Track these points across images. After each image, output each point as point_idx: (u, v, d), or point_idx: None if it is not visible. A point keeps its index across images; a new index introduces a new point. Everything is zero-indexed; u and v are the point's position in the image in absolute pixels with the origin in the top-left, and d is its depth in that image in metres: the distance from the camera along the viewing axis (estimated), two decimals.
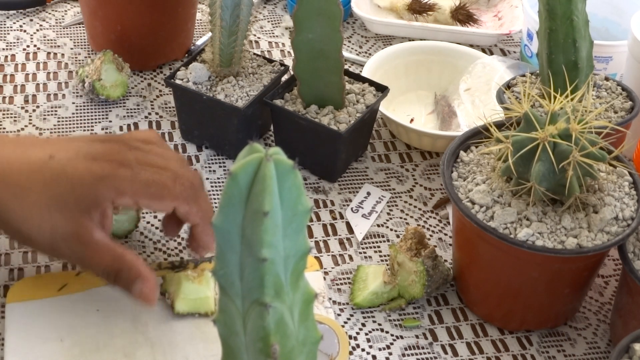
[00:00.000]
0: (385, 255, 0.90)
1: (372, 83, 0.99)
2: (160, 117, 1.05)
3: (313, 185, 0.97)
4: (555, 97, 0.76)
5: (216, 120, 0.97)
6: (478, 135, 0.84)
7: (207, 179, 0.97)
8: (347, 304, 0.84)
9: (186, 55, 1.14)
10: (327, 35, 0.91)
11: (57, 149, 0.75)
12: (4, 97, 1.06)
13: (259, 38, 1.20)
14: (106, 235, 0.74)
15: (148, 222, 0.90)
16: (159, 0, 1.07)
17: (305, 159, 0.97)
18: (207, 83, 0.97)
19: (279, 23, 1.23)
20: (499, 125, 0.82)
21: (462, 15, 1.22)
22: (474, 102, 1.04)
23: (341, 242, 0.91)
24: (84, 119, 1.04)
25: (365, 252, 0.90)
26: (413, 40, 1.15)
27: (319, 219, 0.93)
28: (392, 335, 0.82)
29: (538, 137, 0.74)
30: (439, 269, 0.83)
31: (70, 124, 1.03)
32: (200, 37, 1.18)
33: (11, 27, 1.18)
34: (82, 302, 0.80)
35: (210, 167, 0.98)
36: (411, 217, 0.95)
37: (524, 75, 0.96)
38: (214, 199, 0.94)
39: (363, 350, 0.80)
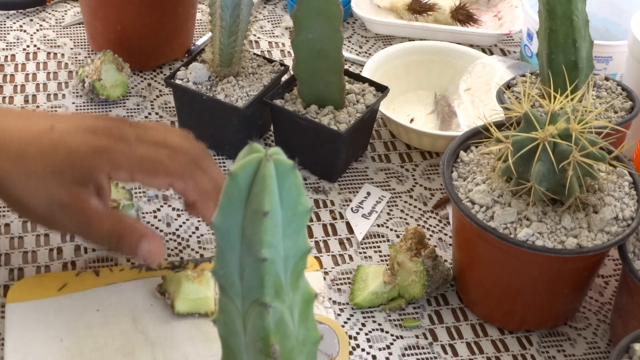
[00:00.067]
0: (385, 255, 0.90)
1: (372, 83, 0.99)
2: (160, 117, 1.05)
3: (313, 185, 0.97)
4: (555, 97, 0.76)
5: (216, 120, 0.97)
6: (478, 135, 0.84)
7: None
8: (347, 304, 0.84)
9: (186, 55, 1.14)
10: (327, 35, 0.91)
11: (58, 120, 0.76)
12: (4, 97, 1.06)
13: (259, 38, 1.20)
14: (103, 204, 0.74)
15: (148, 222, 0.91)
16: (159, 0, 1.07)
17: (305, 159, 0.97)
18: (207, 83, 0.97)
19: (279, 23, 1.23)
20: (499, 125, 0.82)
21: (462, 15, 1.22)
22: (474, 102, 1.04)
23: (341, 242, 0.91)
24: None
25: (365, 252, 0.90)
26: (413, 40, 1.15)
27: (319, 219, 0.93)
28: (392, 335, 0.82)
29: (538, 137, 0.74)
30: (439, 269, 0.83)
31: None
32: (200, 37, 1.18)
33: (11, 27, 1.18)
34: (82, 302, 0.80)
35: None
36: (411, 217, 0.95)
37: (524, 75, 0.96)
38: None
39: (363, 350, 0.80)
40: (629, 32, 0.99)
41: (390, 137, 1.05)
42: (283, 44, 1.19)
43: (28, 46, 1.15)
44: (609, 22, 1.18)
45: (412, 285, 0.83)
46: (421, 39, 1.16)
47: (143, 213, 0.91)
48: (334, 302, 0.84)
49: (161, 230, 0.90)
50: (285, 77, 1.00)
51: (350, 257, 0.89)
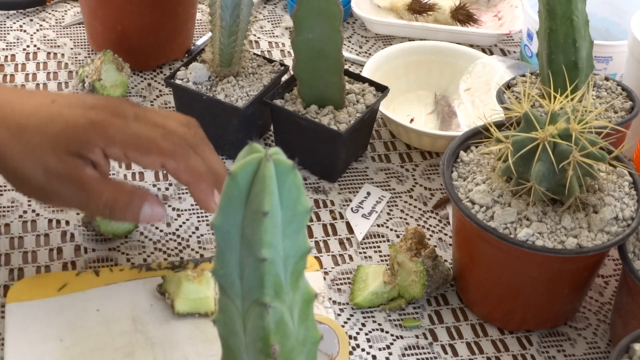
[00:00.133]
0: (385, 255, 0.90)
1: (372, 83, 0.99)
2: None
3: (313, 185, 0.97)
4: (555, 97, 0.76)
5: (216, 120, 0.97)
6: (478, 135, 0.84)
7: None
8: (347, 304, 0.84)
9: (186, 55, 1.14)
10: (327, 35, 0.91)
11: (60, 97, 0.77)
12: None
13: (259, 38, 1.20)
14: (99, 174, 0.75)
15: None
16: (159, 0, 1.07)
17: (305, 159, 0.97)
18: (207, 83, 0.97)
19: (279, 23, 1.23)
20: (499, 125, 0.82)
21: (462, 15, 1.22)
22: (474, 102, 1.04)
23: (341, 242, 0.91)
24: None
25: (365, 252, 0.90)
26: (413, 40, 1.15)
27: (319, 219, 0.93)
28: (392, 335, 0.82)
29: (538, 137, 0.74)
30: (439, 269, 0.83)
31: None
32: (200, 37, 1.18)
33: (11, 27, 1.18)
34: (82, 302, 0.80)
35: None
36: (411, 217, 0.95)
37: (524, 75, 0.96)
38: None
39: (363, 350, 0.80)
40: (629, 32, 0.99)
41: (390, 137, 1.05)
42: (283, 44, 1.19)
43: (28, 46, 1.15)
44: (609, 22, 1.18)
45: (412, 285, 0.83)
46: (421, 39, 1.16)
47: None
48: (334, 302, 0.84)
49: (161, 231, 0.90)
50: (285, 77, 1.00)
51: (350, 257, 0.89)
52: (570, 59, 0.88)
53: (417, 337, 0.82)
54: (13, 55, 1.13)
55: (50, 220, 0.90)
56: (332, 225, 0.93)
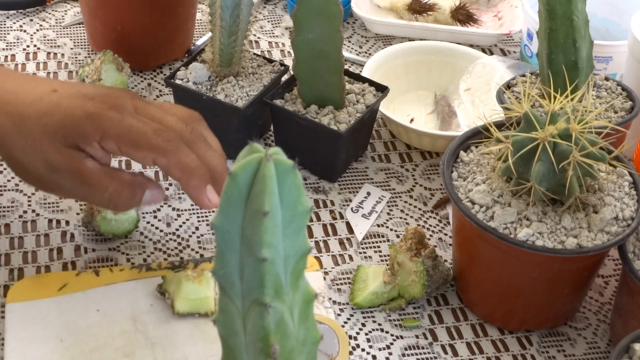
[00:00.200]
0: (385, 255, 0.90)
1: (372, 83, 0.99)
2: None
3: (313, 185, 0.97)
4: (555, 97, 0.76)
5: (216, 120, 0.96)
6: (478, 135, 0.84)
7: None
8: (347, 304, 0.84)
9: (186, 55, 1.14)
10: (327, 35, 0.91)
11: (61, 85, 0.76)
12: None
13: (259, 38, 1.20)
14: (99, 164, 0.75)
15: (148, 222, 0.91)
16: (159, 0, 1.07)
17: (305, 159, 0.97)
18: (207, 83, 0.97)
19: (279, 23, 1.23)
20: (499, 125, 0.82)
21: (462, 15, 1.22)
22: (474, 102, 1.04)
23: (341, 242, 0.91)
24: None
25: (365, 252, 0.90)
26: (413, 40, 1.15)
27: (319, 219, 0.93)
28: (392, 335, 0.82)
29: (538, 137, 0.74)
30: (439, 269, 0.83)
31: None
32: (200, 37, 1.18)
33: (11, 27, 1.18)
34: (82, 302, 0.80)
35: None
36: (411, 217, 0.95)
37: (524, 75, 0.96)
38: None
39: (363, 350, 0.80)
40: (629, 32, 0.99)
41: (390, 137, 1.05)
42: (283, 44, 1.19)
43: (28, 46, 1.15)
44: (609, 22, 1.18)
45: (412, 285, 0.83)
46: (421, 39, 1.16)
47: (143, 213, 0.91)
48: (334, 302, 0.84)
49: (161, 230, 0.90)
50: (285, 77, 1.00)
51: (350, 257, 0.89)
52: (570, 59, 0.88)
53: (417, 337, 0.82)
54: (13, 55, 1.13)
55: (50, 220, 0.90)
56: (332, 225, 0.93)
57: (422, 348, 0.81)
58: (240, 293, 0.55)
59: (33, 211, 0.91)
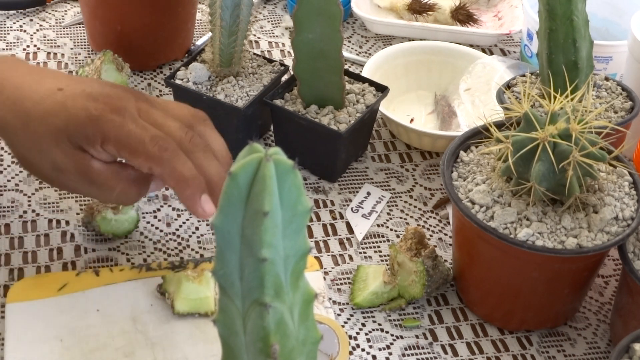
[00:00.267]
0: (385, 255, 0.90)
1: (372, 83, 0.99)
2: None
3: (313, 185, 0.97)
4: (555, 97, 0.76)
5: (216, 120, 0.96)
6: (478, 135, 0.84)
7: None
8: (347, 304, 0.84)
9: (186, 55, 1.14)
10: (327, 35, 0.91)
11: (68, 83, 0.76)
12: None
13: (259, 38, 1.20)
14: (105, 163, 0.75)
15: (148, 222, 0.91)
16: (159, 0, 1.07)
17: (305, 159, 0.97)
18: (207, 83, 0.97)
19: (279, 23, 1.23)
20: (499, 125, 0.82)
21: (462, 15, 1.22)
22: (474, 102, 1.04)
23: (341, 242, 0.91)
24: None
25: (365, 252, 0.90)
26: (413, 40, 1.15)
27: (319, 219, 0.93)
28: (392, 335, 0.82)
29: (538, 137, 0.74)
30: (439, 269, 0.83)
31: None
32: (200, 37, 1.18)
33: (11, 27, 1.18)
34: (82, 302, 0.80)
35: None
36: (411, 217, 0.95)
37: (524, 75, 0.96)
38: None
39: (363, 350, 0.80)
40: (629, 32, 0.99)
41: (390, 137, 1.05)
42: (283, 44, 1.19)
43: (28, 46, 1.15)
44: (609, 22, 1.18)
45: (412, 285, 0.83)
46: (421, 39, 1.16)
47: (143, 213, 0.91)
48: (334, 302, 0.84)
49: (161, 230, 0.90)
50: (285, 77, 1.00)
51: (350, 257, 0.89)
52: (570, 59, 0.88)
53: (417, 337, 0.82)
54: (13, 55, 1.13)
55: (50, 220, 0.90)
56: (332, 225, 0.93)
57: (422, 348, 0.81)
58: (240, 293, 0.55)
59: (33, 211, 0.91)
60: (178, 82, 0.97)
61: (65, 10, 1.21)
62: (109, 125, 0.73)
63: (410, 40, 1.15)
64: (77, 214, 0.90)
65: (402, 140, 1.04)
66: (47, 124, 0.74)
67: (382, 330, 0.82)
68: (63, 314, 0.79)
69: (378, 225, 0.93)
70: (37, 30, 1.18)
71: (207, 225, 0.90)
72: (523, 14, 1.15)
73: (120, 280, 0.83)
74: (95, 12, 1.09)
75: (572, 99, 0.77)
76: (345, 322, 0.83)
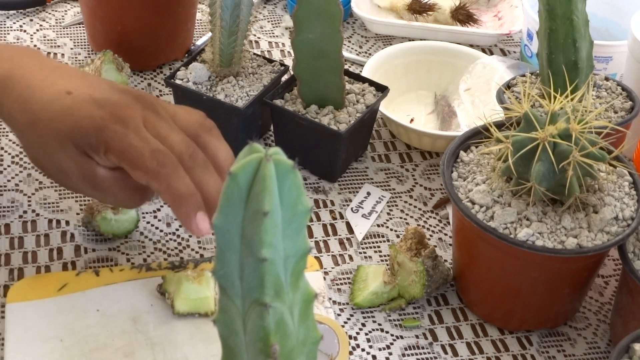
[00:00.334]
0: (385, 255, 0.90)
1: (372, 83, 0.99)
2: None
3: (313, 185, 0.97)
4: (555, 97, 0.76)
5: (216, 120, 0.96)
6: (478, 135, 0.84)
7: None
8: (347, 304, 0.84)
9: (186, 55, 1.14)
10: (327, 35, 0.91)
11: (77, 86, 0.76)
12: None
13: (259, 38, 1.20)
14: (109, 170, 0.75)
15: (148, 222, 0.91)
16: (159, 0, 1.07)
17: (305, 159, 0.97)
18: (207, 83, 0.97)
19: (279, 23, 1.23)
20: (499, 125, 0.82)
21: (462, 15, 1.22)
22: (474, 102, 1.04)
23: (341, 242, 0.91)
24: None
25: (365, 252, 0.90)
26: (413, 40, 1.15)
27: (319, 219, 0.93)
28: (392, 335, 0.82)
29: (538, 137, 0.74)
30: (439, 269, 0.83)
31: None
32: (200, 37, 1.18)
33: (11, 27, 1.18)
34: (82, 302, 0.80)
35: None
36: (411, 217, 0.95)
37: (524, 75, 0.96)
38: None
39: (363, 350, 0.80)
40: (629, 32, 0.99)
41: (390, 137, 1.05)
42: (283, 44, 1.19)
43: (28, 46, 1.14)
44: (609, 22, 1.18)
45: (412, 285, 0.83)
46: (421, 39, 1.16)
47: (143, 213, 0.91)
48: (334, 302, 0.84)
49: (161, 230, 0.90)
50: (285, 77, 1.00)
51: (350, 257, 0.89)
52: (570, 59, 0.88)
53: (417, 337, 0.82)
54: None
55: (50, 220, 0.90)
56: (332, 225, 0.93)
57: (422, 348, 0.81)
58: (240, 293, 0.55)
59: (33, 211, 0.91)
60: (178, 82, 0.98)
61: (65, 10, 1.21)
62: (112, 135, 0.73)
63: (410, 40, 1.15)
64: (77, 214, 0.90)
65: (402, 140, 1.04)
66: (53, 129, 0.74)
67: (382, 330, 0.82)
68: (63, 314, 0.79)
69: (378, 225, 0.93)
70: (37, 30, 1.18)
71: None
72: (523, 14, 1.15)
73: (120, 280, 0.83)
74: (95, 12, 1.09)
75: (572, 99, 0.77)
76: (345, 322, 0.83)
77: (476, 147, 0.84)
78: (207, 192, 0.74)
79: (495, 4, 1.27)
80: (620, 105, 0.93)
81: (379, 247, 0.91)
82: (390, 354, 0.80)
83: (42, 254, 0.86)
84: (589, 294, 0.87)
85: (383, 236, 0.92)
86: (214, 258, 0.55)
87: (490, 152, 0.81)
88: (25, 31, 1.17)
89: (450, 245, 0.91)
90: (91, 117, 0.74)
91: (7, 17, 1.19)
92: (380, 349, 0.81)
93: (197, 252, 0.88)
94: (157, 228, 0.90)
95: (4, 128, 1.01)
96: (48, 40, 1.16)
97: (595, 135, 0.75)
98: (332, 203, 0.95)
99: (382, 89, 0.98)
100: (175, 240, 0.89)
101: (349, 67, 1.16)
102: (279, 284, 0.53)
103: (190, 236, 0.89)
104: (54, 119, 0.74)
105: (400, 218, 0.94)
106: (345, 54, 1.16)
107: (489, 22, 1.25)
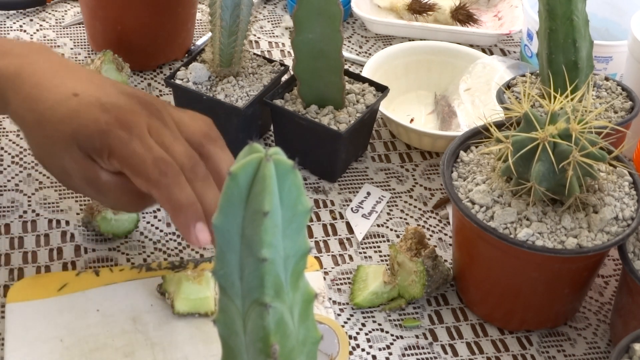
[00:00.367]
0: (385, 255, 0.90)
1: (372, 83, 0.99)
2: None
3: (313, 185, 0.97)
4: (555, 97, 0.76)
5: (216, 120, 0.96)
6: (478, 135, 0.84)
7: None
8: (347, 304, 0.84)
9: (186, 55, 1.14)
10: (327, 35, 0.91)
11: (85, 88, 0.76)
12: None
13: (259, 38, 1.20)
14: (113, 174, 0.75)
15: (148, 222, 0.91)
16: (159, 0, 1.07)
17: (305, 159, 0.97)
18: (207, 83, 0.97)
19: (279, 23, 1.23)
20: (499, 125, 0.82)
21: (462, 15, 1.22)
22: (474, 102, 1.04)
23: (341, 242, 0.91)
24: None
25: (365, 252, 0.90)
26: (413, 40, 1.15)
27: (319, 219, 0.93)
28: (392, 335, 0.82)
29: (538, 137, 0.74)
30: (439, 269, 0.83)
31: None
32: (200, 37, 1.18)
33: (11, 27, 1.18)
34: (82, 302, 0.80)
35: None
36: (411, 217, 0.95)
37: (524, 75, 0.96)
38: None
39: (363, 350, 0.80)
40: (629, 32, 0.99)
41: (390, 137, 1.05)
42: (283, 44, 1.19)
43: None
44: (609, 22, 1.18)
45: (412, 285, 0.83)
46: (421, 39, 1.16)
47: (143, 213, 0.91)
48: (334, 302, 0.84)
49: (161, 230, 0.90)
50: (285, 77, 1.00)
51: (350, 257, 0.89)
52: (570, 59, 0.88)
53: (417, 337, 0.82)
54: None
55: (50, 220, 0.90)
56: (332, 225, 0.93)
57: (422, 348, 0.81)
58: (240, 293, 0.55)
59: (33, 211, 0.91)
60: (178, 82, 0.98)
61: (65, 10, 1.21)
62: (116, 141, 0.73)
63: (410, 40, 1.15)
64: (77, 214, 0.90)
65: (402, 140, 1.04)
66: (59, 130, 0.74)
67: (382, 330, 0.82)
68: (63, 314, 0.79)
69: (378, 225, 0.93)
70: (37, 30, 1.18)
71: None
72: (523, 14, 1.15)
73: (120, 280, 0.83)
74: (95, 12, 1.09)
75: (572, 99, 0.77)
76: (345, 322, 0.83)
77: (476, 147, 0.84)
78: (206, 205, 0.73)
79: (495, 4, 1.27)
80: (620, 105, 0.93)
81: (379, 247, 0.91)
82: (390, 354, 0.80)
83: (42, 254, 0.86)
84: (589, 294, 0.87)
85: (383, 236, 0.92)
86: (214, 258, 0.55)
87: (490, 152, 0.81)
88: (25, 31, 1.17)
89: (450, 245, 0.91)
90: (96, 121, 0.74)
91: (7, 17, 1.19)
92: (380, 349, 0.81)
93: (197, 252, 0.88)
94: (157, 228, 0.90)
95: (4, 128, 1.01)
96: (48, 40, 1.16)
97: (595, 135, 0.75)
98: (332, 203, 0.95)
99: (382, 89, 0.98)
100: (175, 240, 0.89)
101: (349, 67, 1.16)
102: (279, 284, 0.53)
103: None
104: (60, 121, 0.74)
105: (400, 218, 0.94)
106: (345, 54, 1.16)
107: (489, 22, 1.25)
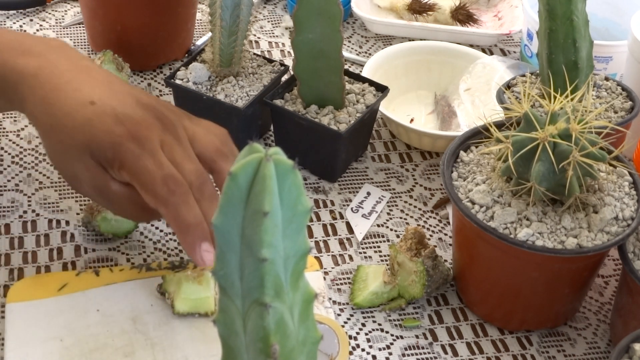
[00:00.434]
0: (385, 255, 0.90)
1: (372, 83, 0.99)
2: None
3: (313, 185, 0.97)
4: (555, 97, 0.76)
5: (216, 120, 0.96)
6: (478, 135, 0.84)
7: None
8: (347, 304, 0.84)
9: (186, 55, 1.14)
10: (327, 35, 0.91)
11: (101, 96, 0.77)
12: None
13: (259, 38, 1.20)
14: (122, 185, 0.76)
15: (148, 222, 0.91)
16: (159, 0, 1.07)
17: (305, 159, 0.97)
18: (207, 83, 0.97)
19: (279, 23, 1.23)
20: (499, 125, 0.82)
21: (462, 15, 1.22)
22: (474, 102, 1.04)
23: (341, 242, 0.91)
24: None
25: (365, 252, 0.90)
26: (413, 40, 1.15)
27: (319, 219, 0.93)
28: (392, 335, 0.82)
29: (538, 137, 0.74)
30: (439, 269, 0.83)
31: None
32: (200, 37, 1.18)
33: (11, 27, 1.18)
34: (82, 302, 0.80)
35: None
36: (411, 217, 0.95)
37: (524, 75, 0.96)
38: None
39: (363, 350, 0.80)
40: (629, 32, 0.99)
41: (390, 137, 1.05)
42: (283, 44, 1.19)
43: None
44: (609, 22, 1.18)
45: (412, 285, 0.83)
46: (421, 39, 1.16)
47: None
48: (334, 302, 0.84)
49: (161, 230, 0.90)
50: (285, 77, 1.00)
51: (350, 257, 0.89)
52: (570, 59, 0.88)
53: (417, 337, 0.82)
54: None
55: (50, 221, 0.90)
56: (332, 225, 0.93)
57: (422, 348, 0.81)
58: (240, 293, 0.55)
59: (33, 211, 0.91)
60: (178, 82, 0.98)
61: (65, 10, 1.21)
62: (127, 154, 0.73)
63: (410, 40, 1.15)
64: (77, 214, 0.90)
65: (402, 140, 1.04)
66: (73, 137, 0.75)
67: (382, 330, 0.82)
68: (63, 314, 0.79)
69: (378, 225, 0.93)
70: (37, 30, 1.18)
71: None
72: (523, 14, 1.15)
73: (120, 280, 0.83)
74: (95, 12, 1.09)
75: (572, 99, 0.77)
76: (345, 322, 0.83)
77: (476, 147, 0.84)
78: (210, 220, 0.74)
79: (495, 4, 1.27)
80: (620, 105, 0.93)
81: (379, 247, 0.91)
82: (390, 354, 0.80)
83: (42, 254, 0.86)
84: (589, 294, 0.87)
85: (383, 236, 0.92)
86: (214, 258, 0.55)
87: (490, 152, 0.81)
88: (25, 31, 1.17)
89: (450, 245, 0.91)
90: (109, 132, 0.74)
91: (7, 17, 1.19)
92: (380, 349, 0.81)
93: None
94: (157, 228, 0.90)
95: (4, 128, 1.01)
96: None
97: (595, 135, 0.75)
98: (332, 203, 0.95)
99: (382, 89, 0.98)
100: (175, 240, 0.89)
101: (349, 67, 1.16)
102: (279, 284, 0.53)
103: None
104: (74, 129, 0.75)
105: (400, 218, 0.94)
106: (345, 54, 1.16)
107: (489, 22, 1.25)
